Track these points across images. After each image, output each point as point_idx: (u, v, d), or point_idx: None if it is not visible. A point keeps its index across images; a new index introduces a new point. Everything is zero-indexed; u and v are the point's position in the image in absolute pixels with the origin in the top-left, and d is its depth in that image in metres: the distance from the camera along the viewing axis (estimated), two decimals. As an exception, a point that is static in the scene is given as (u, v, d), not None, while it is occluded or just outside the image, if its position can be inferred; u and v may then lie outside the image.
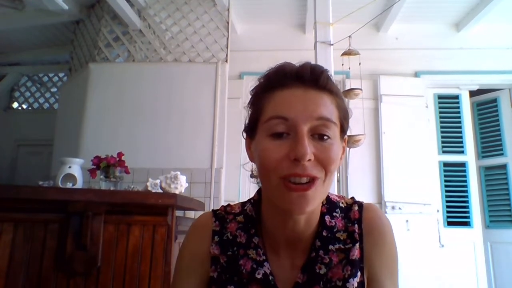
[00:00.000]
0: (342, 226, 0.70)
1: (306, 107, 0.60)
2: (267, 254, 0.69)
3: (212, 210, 0.77)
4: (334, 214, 0.71)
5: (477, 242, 3.42)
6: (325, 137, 0.61)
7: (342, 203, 0.74)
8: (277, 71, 0.66)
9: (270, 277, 0.66)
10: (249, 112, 0.69)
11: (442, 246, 3.38)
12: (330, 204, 0.72)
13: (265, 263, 0.67)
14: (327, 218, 0.70)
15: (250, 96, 0.70)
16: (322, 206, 0.70)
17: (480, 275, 3.35)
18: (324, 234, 0.68)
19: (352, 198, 0.76)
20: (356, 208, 0.72)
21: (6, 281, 1.34)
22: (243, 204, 0.76)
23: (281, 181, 0.60)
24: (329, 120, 0.61)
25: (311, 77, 0.63)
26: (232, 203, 0.79)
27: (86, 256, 1.39)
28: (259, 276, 0.66)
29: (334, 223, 0.70)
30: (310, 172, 0.59)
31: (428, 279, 3.19)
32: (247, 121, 0.70)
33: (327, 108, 0.62)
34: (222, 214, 0.75)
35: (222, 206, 0.78)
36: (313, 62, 2.42)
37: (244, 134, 0.71)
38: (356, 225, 0.70)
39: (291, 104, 0.61)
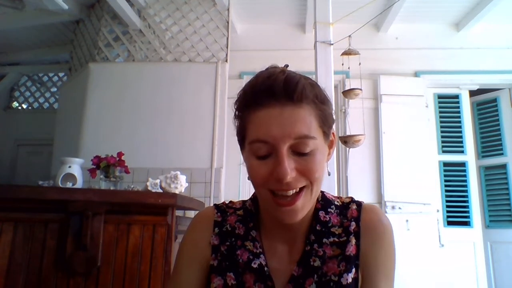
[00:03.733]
0: (337, 222, 0.72)
1: (283, 128, 0.61)
2: (264, 248, 0.72)
3: (214, 204, 0.80)
4: (329, 210, 0.73)
5: (477, 242, 3.42)
6: (306, 153, 0.62)
7: (338, 201, 0.76)
8: (252, 86, 0.67)
9: (265, 268, 0.69)
10: (236, 124, 0.71)
11: (442, 246, 3.38)
12: (325, 201, 0.74)
13: (261, 255, 0.70)
14: (321, 213, 0.72)
15: (235, 108, 0.71)
16: (317, 203, 0.73)
17: (480, 275, 3.35)
18: (318, 228, 0.71)
19: (350, 197, 0.76)
20: (354, 207, 0.73)
21: (6, 281, 1.34)
22: (244, 201, 0.80)
23: (270, 195, 0.64)
24: (307, 137, 0.62)
25: (285, 93, 0.62)
26: (233, 201, 0.82)
27: (86, 256, 1.39)
28: (254, 266, 0.69)
29: (328, 218, 0.72)
30: (293, 186, 0.62)
31: (428, 279, 3.19)
32: (236, 130, 0.72)
33: (305, 123, 0.62)
34: (224, 208, 0.79)
35: (224, 201, 0.82)
36: (313, 62, 2.38)
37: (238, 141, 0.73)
38: (353, 223, 0.71)
39: (269, 127, 0.62)
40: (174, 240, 1.51)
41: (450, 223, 3.46)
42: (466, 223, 3.46)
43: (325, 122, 0.66)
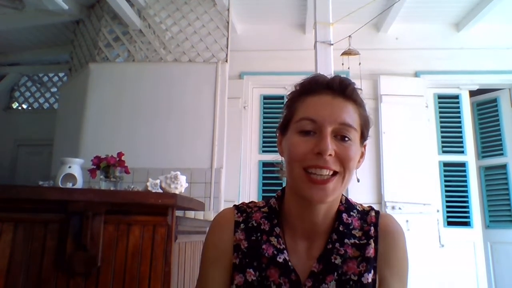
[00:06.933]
0: (358, 225, 0.77)
1: (332, 112, 0.70)
2: (286, 244, 0.75)
3: (234, 204, 0.83)
4: (351, 213, 0.78)
5: (477, 242, 3.42)
6: (346, 139, 0.70)
7: (359, 206, 0.81)
8: (311, 80, 0.75)
9: (290, 263, 0.72)
10: (284, 113, 0.78)
11: (442, 246, 3.38)
12: (348, 205, 0.79)
13: (284, 251, 0.73)
14: (344, 215, 0.76)
15: (286, 100, 0.79)
16: (340, 205, 0.78)
17: (480, 275, 3.35)
18: (341, 229, 0.75)
19: (370, 206, 0.82)
20: (373, 213, 0.79)
21: (6, 281, 1.34)
22: (266, 200, 0.84)
23: (304, 173, 0.69)
24: (350, 126, 0.70)
25: (339, 87, 0.72)
26: (255, 201, 0.86)
27: (86, 256, 1.38)
28: (280, 260, 0.72)
29: (350, 221, 0.76)
30: (330, 165, 0.68)
31: (428, 279, 3.19)
32: (281, 120, 0.78)
33: (350, 115, 0.71)
34: (244, 208, 0.81)
35: (244, 202, 0.85)
36: (313, 62, 2.41)
37: (277, 132, 0.80)
38: (372, 228, 0.76)
39: (320, 109, 0.70)
40: (174, 240, 1.51)
41: (450, 223, 3.46)
42: (466, 223, 3.45)
43: (366, 126, 0.75)
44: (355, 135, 0.71)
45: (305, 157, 0.68)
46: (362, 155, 0.77)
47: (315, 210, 0.73)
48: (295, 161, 0.70)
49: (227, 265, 0.75)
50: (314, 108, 0.71)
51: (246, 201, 0.86)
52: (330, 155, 0.67)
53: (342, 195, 0.78)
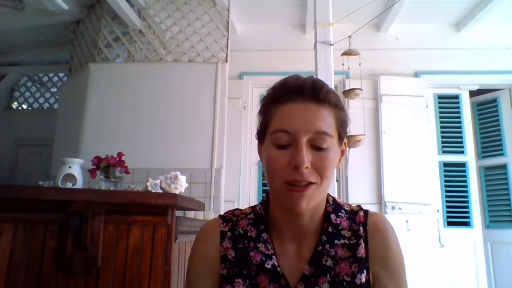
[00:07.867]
0: (347, 226, 0.76)
1: (306, 121, 0.68)
2: (274, 249, 0.74)
3: (219, 215, 0.82)
4: (339, 214, 0.77)
5: (477, 242, 3.42)
6: (323, 148, 0.68)
7: (347, 207, 0.79)
8: (282, 85, 0.73)
9: (278, 268, 0.71)
10: (259, 120, 0.77)
11: (442, 246, 3.38)
12: (335, 206, 0.78)
13: (273, 257, 0.73)
14: (332, 216, 0.76)
15: (260, 105, 0.78)
16: (328, 206, 0.77)
17: (480, 275, 3.35)
18: (330, 230, 0.74)
19: (359, 205, 0.81)
20: (361, 213, 0.78)
21: (6, 281, 1.34)
22: (253, 206, 0.82)
23: (284, 186, 0.68)
24: (326, 134, 0.68)
25: (312, 92, 0.69)
26: (240, 208, 0.85)
27: (86, 256, 1.38)
28: (268, 266, 0.71)
29: (339, 222, 0.75)
30: (307, 178, 0.67)
31: (428, 279, 3.19)
32: (258, 128, 0.77)
33: (325, 121, 0.69)
34: (230, 217, 0.80)
35: (230, 210, 0.84)
36: (313, 62, 2.41)
37: (256, 137, 0.79)
38: (361, 227, 0.75)
39: (293, 119, 0.68)
40: (174, 240, 1.51)
41: (450, 224, 3.46)
42: (466, 224, 3.45)
43: (342, 126, 0.73)
44: (331, 142, 0.69)
45: (284, 172, 0.67)
46: (343, 153, 0.76)
47: (299, 214, 0.72)
48: (274, 175, 0.69)
49: (215, 278, 0.75)
50: (287, 118, 0.69)
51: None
52: (306, 167, 0.66)
53: (330, 195, 0.78)
